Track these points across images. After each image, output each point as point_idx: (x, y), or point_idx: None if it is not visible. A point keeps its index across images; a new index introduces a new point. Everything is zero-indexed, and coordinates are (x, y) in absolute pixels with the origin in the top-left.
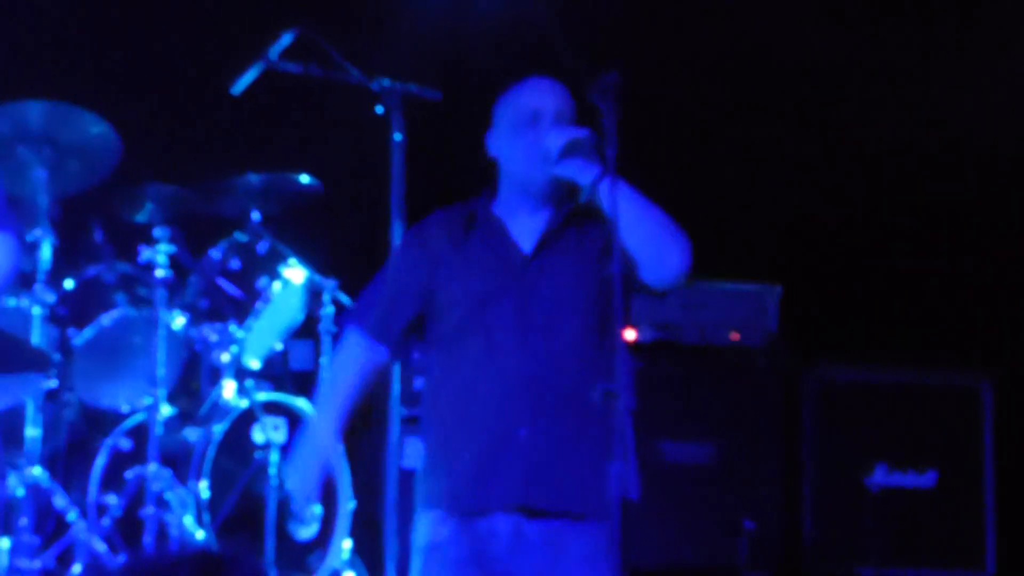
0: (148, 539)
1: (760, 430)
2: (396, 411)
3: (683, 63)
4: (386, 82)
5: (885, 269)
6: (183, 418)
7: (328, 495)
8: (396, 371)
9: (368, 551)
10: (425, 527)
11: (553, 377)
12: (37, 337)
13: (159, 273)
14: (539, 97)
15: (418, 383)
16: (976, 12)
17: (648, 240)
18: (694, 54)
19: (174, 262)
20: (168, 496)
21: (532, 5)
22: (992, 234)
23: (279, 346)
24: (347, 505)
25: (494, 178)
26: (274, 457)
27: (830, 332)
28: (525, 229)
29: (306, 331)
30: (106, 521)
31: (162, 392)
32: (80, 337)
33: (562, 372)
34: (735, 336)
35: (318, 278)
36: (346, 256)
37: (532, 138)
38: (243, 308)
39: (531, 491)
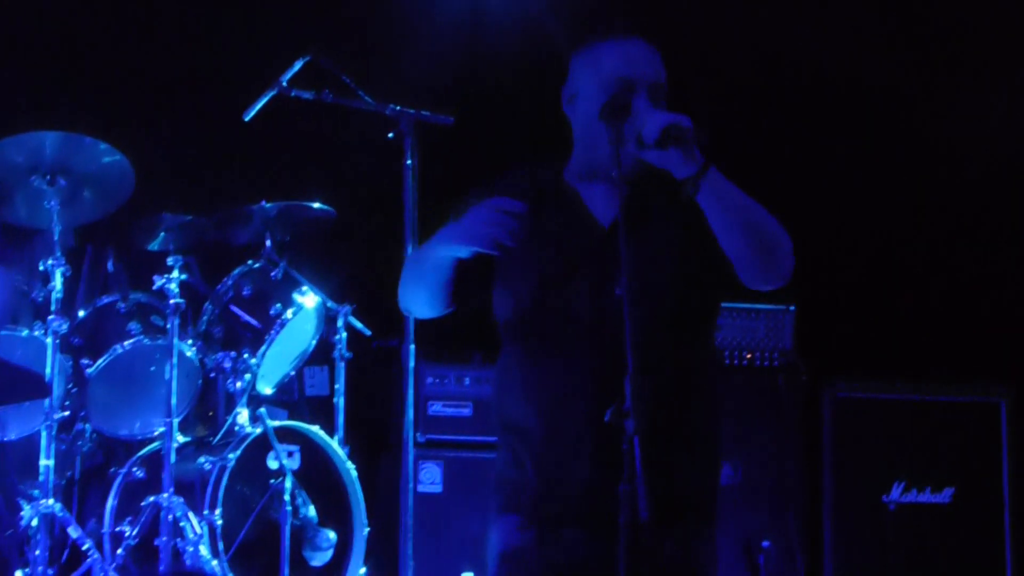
0: (163, 568)
1: (779, 449)
2: (411, 436)
3: (697, 83)
4: (398, 108)
5: (899, 287)
6: (197, 446)
7: (343, 521)
8: (410, 396)
9: None
10: (502, 534)
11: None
12: (50, 367)
13: (172, 301)
14: (632, 66)
15: (433, 408)
16: (986, 38)
17: (753, 241)
18: (707, 75)
19: (187, 290)
20: (183, 524)
21: (544, 31)
22: (1008, 251)
23: (293, 372)
24: (362, 531)
25: (565, 137)
26: (288, 484)
27: (846, 351)
28: (600, 200)
29: (320, 357)
30: (120, 551)
31: (176, 420)
32: (94, 366)
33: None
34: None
35: (331, 304)
36: (360, 281)
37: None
38: (256, 335)
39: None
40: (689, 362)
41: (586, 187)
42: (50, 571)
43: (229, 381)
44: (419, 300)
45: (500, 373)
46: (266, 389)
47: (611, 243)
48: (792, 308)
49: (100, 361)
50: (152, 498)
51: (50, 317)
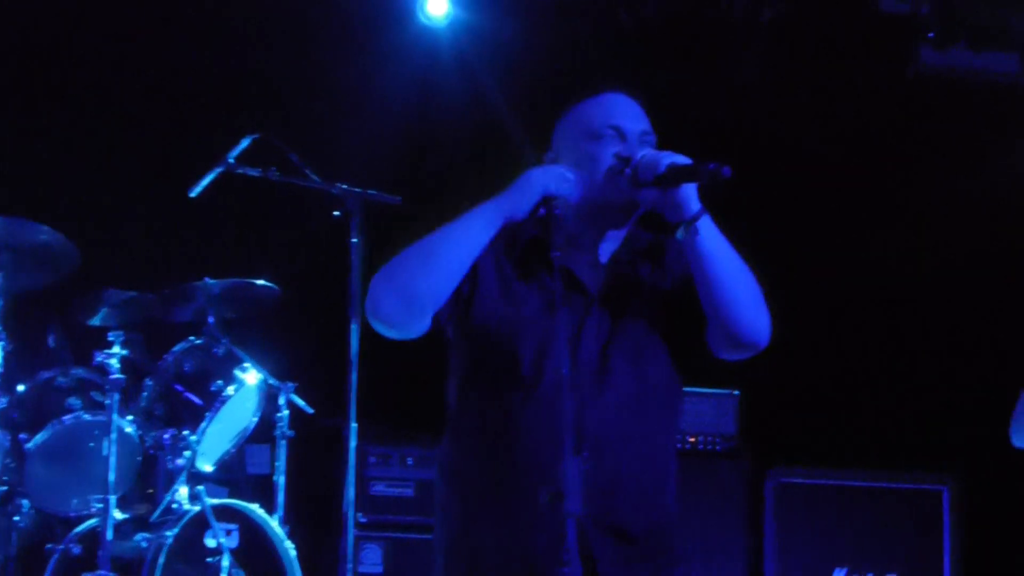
0: None
1: (722, 534)
2: (352, 516)
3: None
4: (345, 187)
5: (843, 374)
6: (136, 523)
7: None
8: (352, 476)
9: None
10: None
11: (612, 440)
12: None
13: (113, 377)
14: (620, 114)
15: (376, 488)
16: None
17: (740, 295)
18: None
19: (129, 366)
20: None
21: (491, 111)
22: (950, 340)
23: (234, 450)
24: None
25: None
26: (226, 562)
27: (789, 437)
28: (584, 262)
29: (262, 435)
30: None
31: (114, 497)
32: (32, 441)
33: (618, 435)
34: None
35: (274, 381)
36: (303, 359)
37: (615, 152)
38: (198, 412)
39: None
40: (654, 446)
41: (567, 246)
42: None
43: (169, 458)
44: (419, 284)
45: (450, 448)
46: (206, 467)
47: (593, 316)
48: (736, 393)
49: (39, 436)
50: (88, 575)
51: None
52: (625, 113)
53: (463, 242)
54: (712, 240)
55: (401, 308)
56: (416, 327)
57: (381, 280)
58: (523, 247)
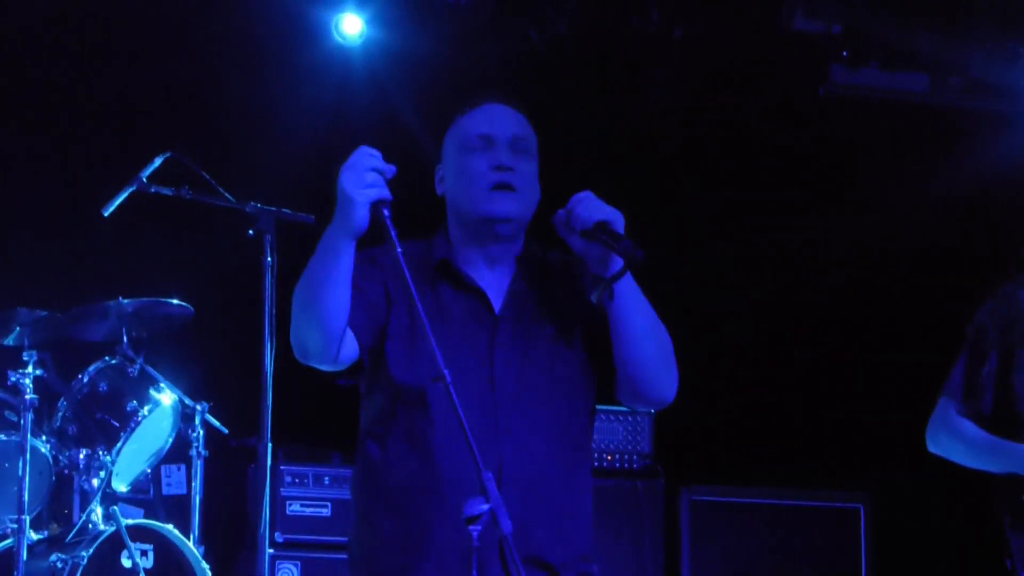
0: None
1: (638, 552)
2: (267, 535)
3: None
4: (258, 205)
5: (759, 393)
6: (50, 543)
7: None
8: (267, 495)
9: None
10: None
11: (524, 463)
12: None
13: (27, 397)
14: (489, 123)
15: (292, 507)
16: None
17: (650, 357)
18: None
19: (42, 386)
20: None
21: (405, 130)
22: (866, 358)
23: (149, 470)
24: None
25: (442, 221)
26: None
27: (705, 455)
28: (490, 283)
29: (177, 455)
30: None
31: (28, 517)
32: None
33: (532, 460)
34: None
35: (189, 401)
36: (217, 379)
37: (481, 162)
38: (112, 432)
39: None
40: (570, 470)
41: (469, 266)
42: None
43: (84, 478)
44: (315, 318)
45: (360, 469)
46: (121, 487)
47: (500, 331)
48: (652, 411)
49: None
50: None
51: None
52: (495, 121)
53: (328, 280)
54: (629, 302)
55: (314, 350)
56: (343, 355)
57: (293, 326)
58: (434, 268)
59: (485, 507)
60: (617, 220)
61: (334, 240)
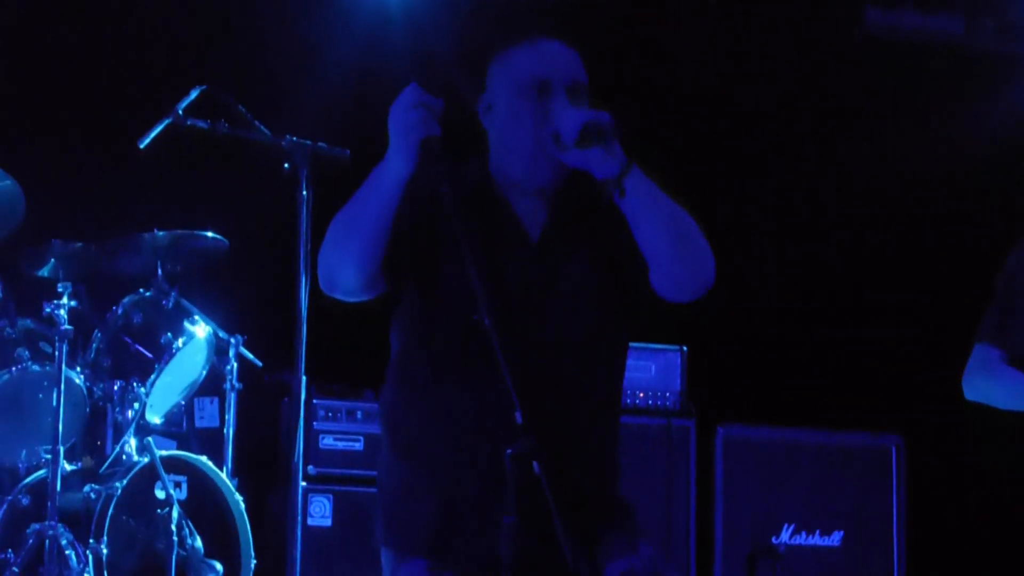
0: None
1: (670, 490)
2: (301, 469)
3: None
4: (294, 139)
5: (792, 330)
6: (84, 475)
7: (230, 553)
8: (301, 429)
9: None
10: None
11: (558, 396)
12: None
13: (62, 328)
14: (547, 64)
15: (325, 441)
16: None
17: (678, 241)
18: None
19: (77, 317)
20: (68, 553)
21: (439, 62)
22: (901, 297)
23: (183, 403)
24: (249, 563)
25: (484, 146)
26: (175, 514)
27: (737, 392)
28: (526, 212)
29: (211, 388)
30: None
31: (63, 448)
32: None
33: (567, 392)
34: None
35: (223, 334)
36: (252, 312)
37: (538, 115)
38: (146, 364)
39: None
40: (600, 392)
41: (513, 195)
42: None
43: (118, 410)
44: (350, 254)
45: (394, 396)
46: (155, 419)
47: (541, 259)
48: (684, 348)
49: None
50: (37, 526)
51: None
52: (554, 63)
53: (370, 218)
54: (643, 195)
55: (344, 280)
56: (372, 289)
57: (322, 258)
58: (472, 196)
59: (520, 439)
60: (601, 117)
61: (383, 178)
